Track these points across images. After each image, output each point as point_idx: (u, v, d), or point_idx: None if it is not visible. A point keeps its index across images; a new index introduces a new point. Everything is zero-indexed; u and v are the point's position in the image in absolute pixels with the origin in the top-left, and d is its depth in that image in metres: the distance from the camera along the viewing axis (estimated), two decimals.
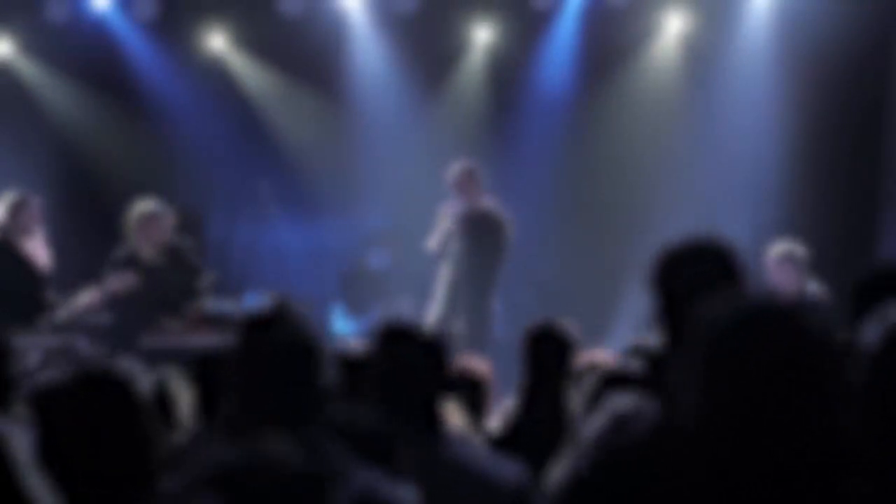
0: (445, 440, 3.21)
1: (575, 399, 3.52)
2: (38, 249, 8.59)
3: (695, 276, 2.93)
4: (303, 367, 3.00)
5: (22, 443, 2.38)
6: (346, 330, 10.07)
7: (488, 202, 8.94)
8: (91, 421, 2.71)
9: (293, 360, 2.98)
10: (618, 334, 9.50)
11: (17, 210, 8.46)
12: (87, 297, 8.39)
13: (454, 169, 8.93)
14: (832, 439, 1.97)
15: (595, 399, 3.43)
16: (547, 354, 4.58)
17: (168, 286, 8.47)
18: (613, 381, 3.45)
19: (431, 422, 3.20)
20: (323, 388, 3.02)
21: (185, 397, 3.81)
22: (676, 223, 9.71)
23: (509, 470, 3.20)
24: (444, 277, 8.99)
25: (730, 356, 2.00)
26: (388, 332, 3.33)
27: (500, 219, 8.88)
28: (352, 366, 3.71)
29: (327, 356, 3.03)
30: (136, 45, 11.02)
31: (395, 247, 10.30)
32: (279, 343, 3.00)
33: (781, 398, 1.96)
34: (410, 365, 3.25)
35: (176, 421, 3.88)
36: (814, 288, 8.03)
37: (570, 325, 4.75)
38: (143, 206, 8.59)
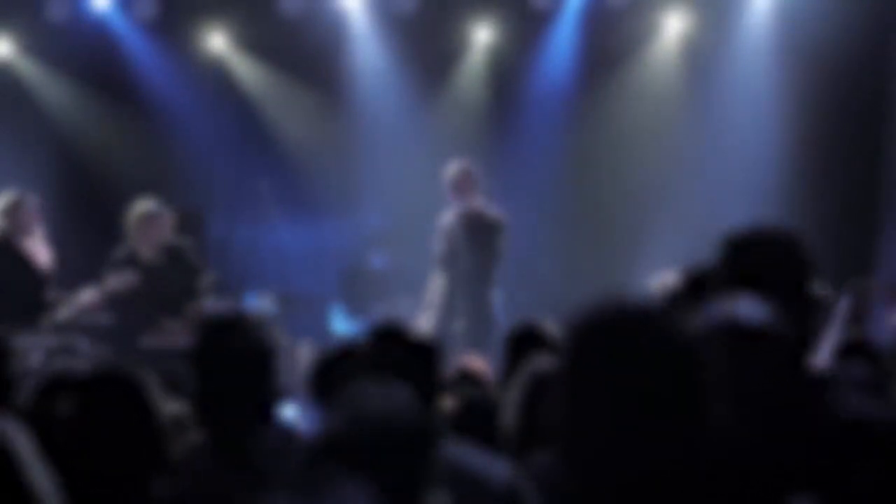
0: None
1: (508, 401, 3.52)
2: (37, 249, 8.59)
3: (762, 261, 2.93)
4: (255, 371, 3.12)
5: (24, 439, 2.39)
6: (346, 330, 10.07)
7: (484, 202, 8.95)
8: (104, 419, 2.72)
9: (246, 363, 3.11)
10: None
11: (15, 210, 8.46)
12: (87, 297, 8.39)
13: (451, 169, 8.93)
14: (696, 438, 1.96)
15: (528, 402, 3.41)
16: (527, 354, 4.58)
17: (168, 286, 8.46)
18: (545, 385, 3.41)
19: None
20: (275, 390, 3.13)
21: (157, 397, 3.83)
22: (676, 223, 9.73)
23: (500, 469, 3.20)
24: (441, 278, 9.00)
25: (590, 360, 1.99)
26: (381, 332, 3.36)
27: (496, 219, 8.89)
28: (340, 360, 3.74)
29: (279, 361, 3.16)
30: (136, 45, 11.02)
31: (395, 247, 10.30)
32: (232, 347, 3.12)
33: (643, 401, 1.95)
34: (402, 365, 3.28)
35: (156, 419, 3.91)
36: (814, 288, 8.02)
37: (551, 326, 4.75)
38: (143, 206, 8.59)
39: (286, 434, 3.24)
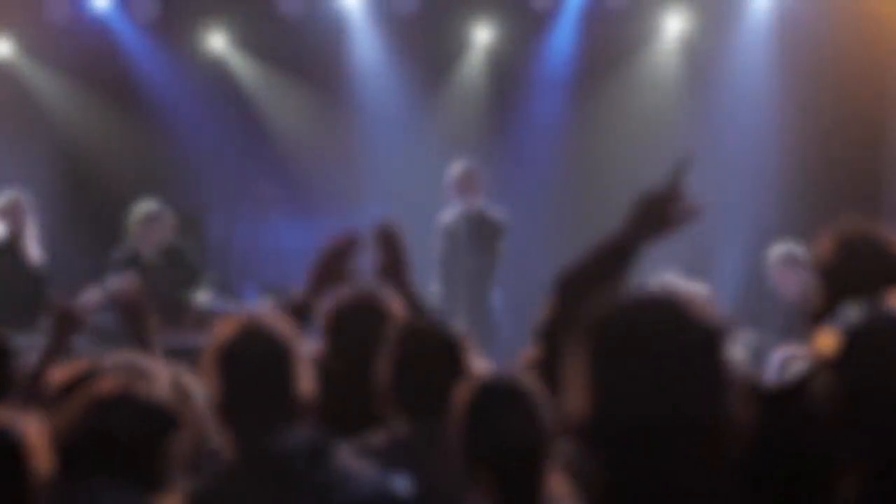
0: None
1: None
2: (30, 248, 8.62)
3: (869, 264, 2.90)
4: (273, 375, 3.09)
5: (40, 435, 2.40)
6: None
7: (485, 202, 8.97)
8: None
9: (263, 368, 3.08)
10: None
11: (14, 209, 8.49)
12: (87, 300, 8.39)
13: (453, 169, 8.95)
14: (717, 430, 1.97)
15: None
16: None
17: (168, 286, 8.47)
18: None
19: (443, 414, 3.21)
20: (297, 393, 3.10)
21: (199, 391, 3.86)
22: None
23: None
24: (440, 277, 9.02)
25: (614, 346, 1.99)
26: (406, 328, 3.37)
27: (499, 219, 8.92)
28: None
29: (300, 362, 3.12)
30: (136, 45, 11.01)
31: None
32: (248, 352, 3.10)
33: (665, 387, 1.95)
34: (428, 360, 3.29)
35: (194, 415, 3.92)
36: None
37: None
38: (144, 206, 8.61)
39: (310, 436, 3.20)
